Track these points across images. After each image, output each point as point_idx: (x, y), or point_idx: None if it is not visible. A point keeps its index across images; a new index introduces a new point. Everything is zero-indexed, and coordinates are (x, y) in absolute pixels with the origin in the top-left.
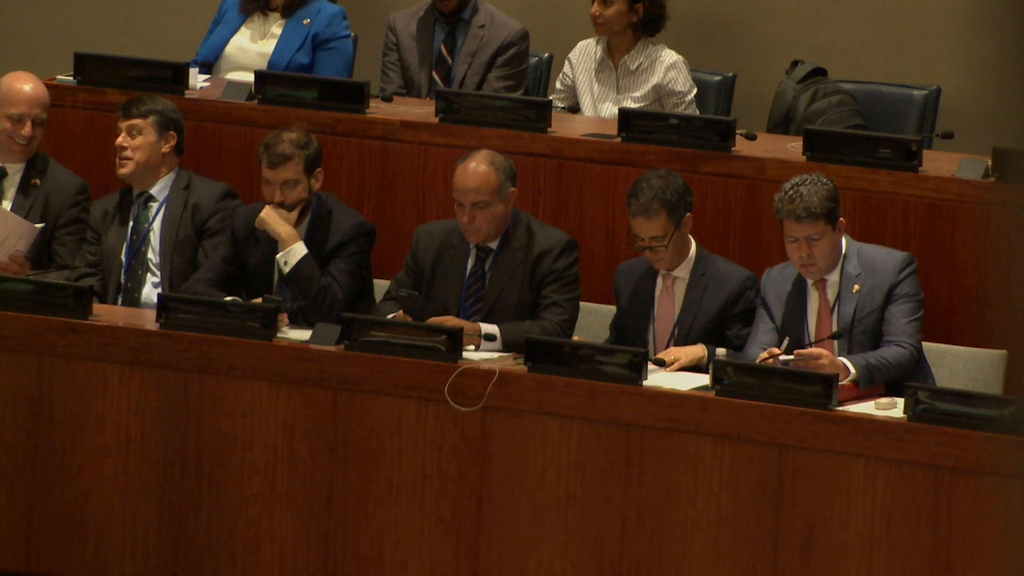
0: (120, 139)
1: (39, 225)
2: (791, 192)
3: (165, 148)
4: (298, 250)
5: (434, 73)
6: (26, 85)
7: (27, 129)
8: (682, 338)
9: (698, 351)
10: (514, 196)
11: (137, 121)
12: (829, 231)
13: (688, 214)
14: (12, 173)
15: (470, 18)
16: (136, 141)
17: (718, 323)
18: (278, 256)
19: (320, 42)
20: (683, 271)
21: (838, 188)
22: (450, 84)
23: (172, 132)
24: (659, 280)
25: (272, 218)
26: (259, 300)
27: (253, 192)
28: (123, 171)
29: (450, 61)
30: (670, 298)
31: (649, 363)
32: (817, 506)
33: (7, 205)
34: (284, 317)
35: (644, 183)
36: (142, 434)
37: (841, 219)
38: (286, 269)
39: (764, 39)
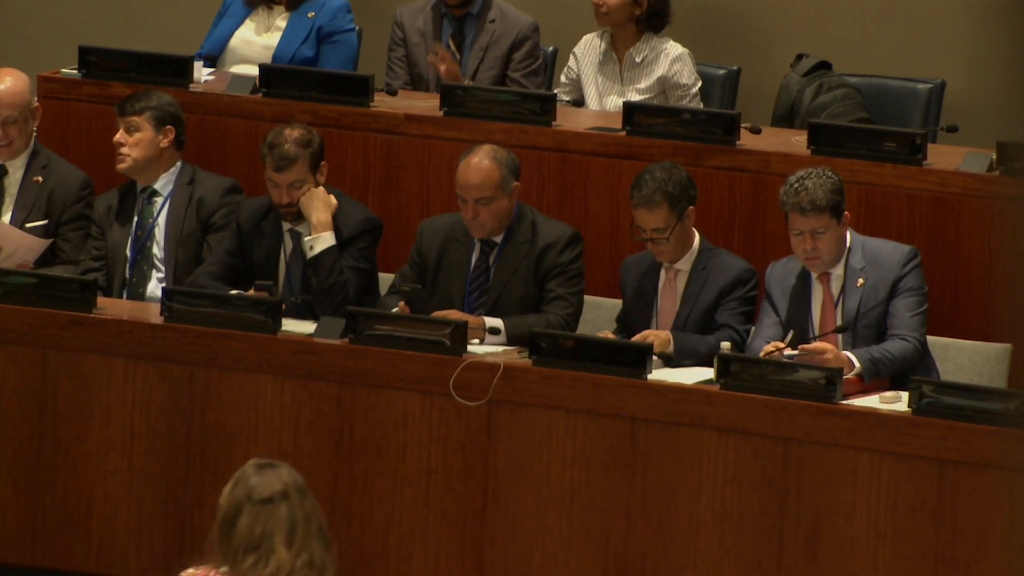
0: (118, 136)
1: (48, 240)
2: (796, 185)
3: (163, 143)
4: (327, 239)
5: None
6: None
7: None
8: (680, 329)
9: (663, 335)
10: (517, 190)
11: (133, 118)
12: (834, 224)
13: (691, 207)
14: (13, 171)
15: (479, 12)
16: (133, 137)
17: (714, 313)
18: (305, 239)
19: (324, 35)
20: (685, 264)
21: (843, 182)
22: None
23: (170, 126)
24: (662, 273)
25: (315, 203)
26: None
27: (258, 186)
28: (121, 166)
29: (459, 56)
30: (673, 291)
31: (654, 357)
32: (822, 500)
33: (9, 202)
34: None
35: (647, 175)
36: (147, 427)
37: (846, 213)
38: (310, 253)
39: (769, 32)
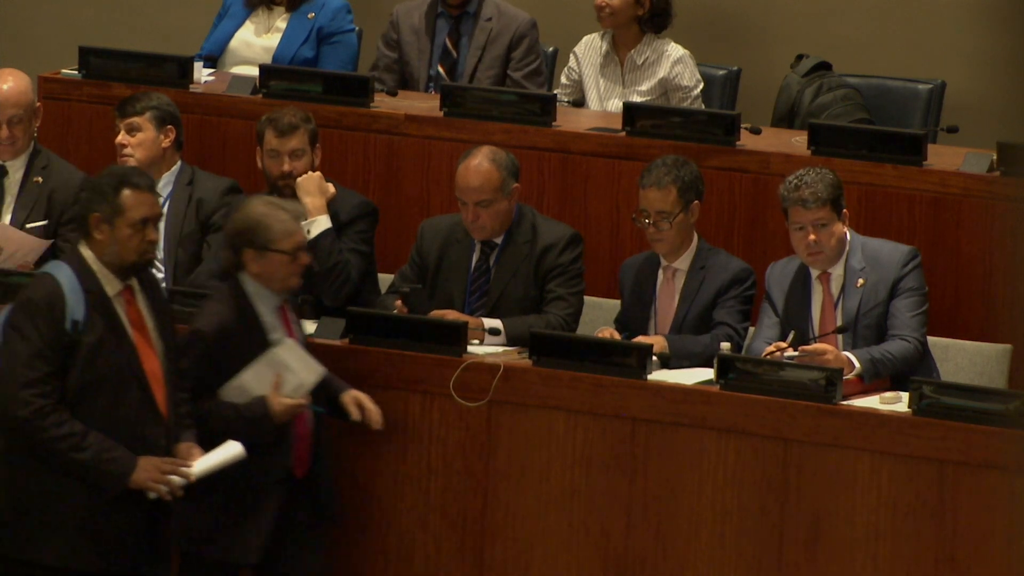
0: (120, 137)
1: (48, 241)
2: (796, 181)
3: (165, 142)
4: (322, 222)
5: (440, 67)
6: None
7: (3, 131)
8: (677, 330)
9: (657, 340)
10: (517, 192)
11: (135, 118)
12: (835, 219)
13: (697, 201)
14: (13, 171)
15: (476, 11)
16: (136, 138)
17: (711, 313)
18: (302, 223)
19: (324, 36)
20: (683, 263)
21: (842, 182)
22: (456, 78)
23: (170, 126)
24: (660, 273)
25: (309, 188)
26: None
27: (258, 186)
28: None
29: (455, 55)
30: (671, 291)
31: (653, 358)
32: (822, 500)
33: (10, 202)
34: None
35: (660, 160)
36: None
37: (845, 211)
38: (307, 237)
39: (769, 33)
